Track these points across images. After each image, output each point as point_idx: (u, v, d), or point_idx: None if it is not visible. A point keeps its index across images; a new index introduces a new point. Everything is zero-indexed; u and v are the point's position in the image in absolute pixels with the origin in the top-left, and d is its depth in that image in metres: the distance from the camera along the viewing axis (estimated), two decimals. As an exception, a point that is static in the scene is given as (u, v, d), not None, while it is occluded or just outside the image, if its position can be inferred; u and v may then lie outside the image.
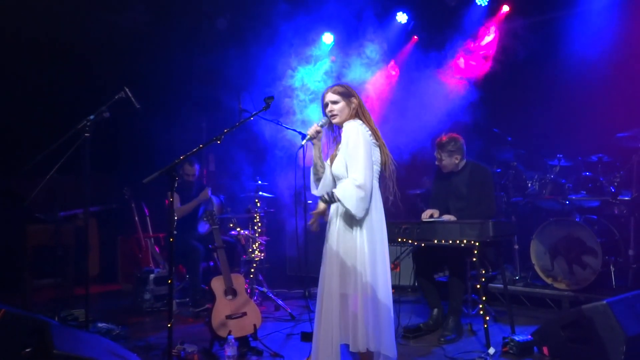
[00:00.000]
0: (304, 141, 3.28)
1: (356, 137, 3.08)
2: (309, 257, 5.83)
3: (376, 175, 3.17)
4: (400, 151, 6.25)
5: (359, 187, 3.00)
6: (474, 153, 5.08)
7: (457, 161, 4.52)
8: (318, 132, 3.24)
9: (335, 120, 3.22)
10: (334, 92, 3.22)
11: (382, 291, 3.09)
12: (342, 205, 3.06)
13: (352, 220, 3.10)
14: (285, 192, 6.45)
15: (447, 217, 4.35)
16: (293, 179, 5.98)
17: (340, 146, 3.21)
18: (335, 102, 3.20)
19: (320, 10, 6.56)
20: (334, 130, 3.34)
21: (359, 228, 3.09)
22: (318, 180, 3.37)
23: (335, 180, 3.29)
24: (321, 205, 3.32)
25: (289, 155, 6.82)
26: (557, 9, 5.85)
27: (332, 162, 3.29)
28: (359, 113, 3.22)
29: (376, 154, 3.16)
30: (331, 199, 3.14)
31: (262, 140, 6.89)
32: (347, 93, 3.22)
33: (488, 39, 6.53)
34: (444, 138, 4.51)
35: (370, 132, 3.16)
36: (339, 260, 3.11)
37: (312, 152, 3.31)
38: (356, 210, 3.01)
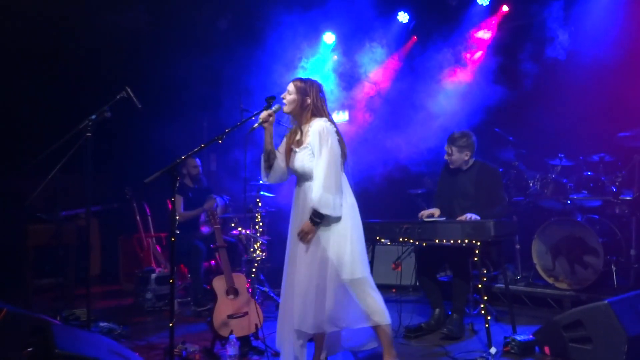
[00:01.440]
0: (255, 125, 3.35)
1: (326, 138, 3.22)
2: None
3: (342, 168, 3.33)
4: (401, 151, 6.28)
5: (333, 194, 3.17)
6: (475, 153, 5.07)
7: (466, 157, 4.48)
8: (269, 116, 3.33)
9: (285, 110, 3.37)
10: (294, 84, 3.37)
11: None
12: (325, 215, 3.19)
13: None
14: (286, 192, 6.46)
15: (467, 217, 4.25)
16: (294, 178, 5.99)
17: (305, 143, 3.30)
18: (289, 93, 3.36)
19: (321, 10, 6.56)
20: (294, 131, 3.43)
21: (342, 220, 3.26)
22: (269, 167, 3.45)
23: (288, 174, 3.44)
24: None
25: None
26: (557, 8, 5.84)
27: (288, 155, 3.40)
28: (313, 111, 3.34)
29: (340, 147, 3.30)
30: (319, 219, 3.21)
31: (261, 140, 6.89)
32: (304, 90, 3.34)
33: (486, 35, 6.53)
34: (457, 134, 4.48)
35: (335, 128, 3.31)
36: (327, 251, 3.24)
37: (264, 138, 3.39)
38: (335, 211, 3.20)
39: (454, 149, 4.46)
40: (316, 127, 3.26)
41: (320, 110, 3.35)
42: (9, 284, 5.59)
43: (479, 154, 4.67)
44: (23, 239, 5.44)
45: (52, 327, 2.79)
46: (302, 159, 3.30)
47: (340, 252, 3.24)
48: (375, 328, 3.34)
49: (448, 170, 4.69)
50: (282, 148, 3.46)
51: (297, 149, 3.36)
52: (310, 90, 3.34)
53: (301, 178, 3.37)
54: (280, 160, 3.43)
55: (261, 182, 3.56)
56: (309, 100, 3.33)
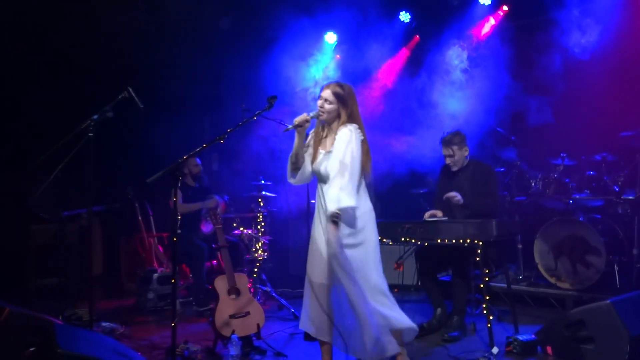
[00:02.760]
0: (290, 127, 3.32)
1: (350, 141, 3.19)
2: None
3: (364, 180, 3.30)
4: (403, 151, 6.27)
5: (341, 188, 3.12)
6: (477, 152, 5.08)
7: (466, 153, 4.55)
8: (306, 121, 3.28)
9: (322, 117, 3.31)
10: (332, 92, 3.28)
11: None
12: (342, 209, 3.12)
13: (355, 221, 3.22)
14: (288, 191, 6.46)
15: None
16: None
17: (332, 147, 3.27)
18: (328, 102, 3.27)
19: (323, 10, 6.56)
20: (323, 129, 3.39)
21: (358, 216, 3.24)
22: (296, 169, 3.42)
23: (312, 175, 3.40)
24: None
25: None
26: (558, 7, 5.83)
27: (314, 159, 3.36)
28: (350, 119, 3.29)
29: (361, 155, 3.25)
30: (337, 216, 3.15)
31: (264, 140, 6.89)
32: (344, 98, 3.28)
33: (486, 27, 6.53)
34: (448, 135, 4.54)
35: (362, 137, 3.26)
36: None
37: (295, 140, 3.35)
38: (352, 201, 3.11)
39: (454, 148, 4.49)
40: (344, 133, 3.22)
41: (355, 116, 3.32)
42: (12, 284, 5.60)
43: (482, 154, 4.68)
44: (25, 238, 5.46)
45: (55, 326, 2.79)
46: (325, 163, 3.28)
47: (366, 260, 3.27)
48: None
49: (445, 173, 4.74)
50: (308, 149, 3.42)
51: (323, 151, 3.33)
52: (348, 99, 3.29)
53: (322, 180, 3.34)
54: (307, 164, 3.39)
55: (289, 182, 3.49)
56: (348, 110, 3.28)
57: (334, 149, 3.24)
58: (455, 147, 4.48)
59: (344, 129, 3.24)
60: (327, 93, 3.28)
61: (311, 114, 3.30)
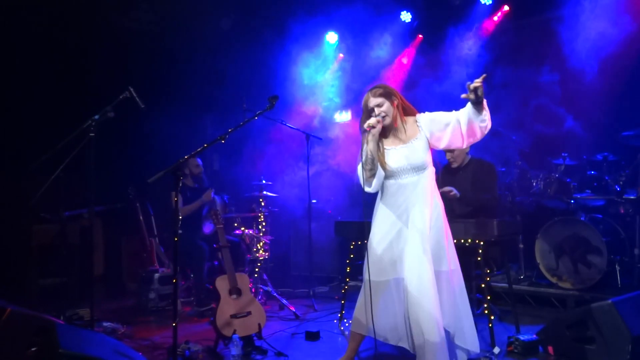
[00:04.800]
0: (365, 126, 3.21)
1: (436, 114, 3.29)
2: (313, 257, 5.84)
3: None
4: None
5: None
6: (477, 152, 5.07)
7: (466, 150, 4.58)
8: (379, 123, 3.21)
9: (386, 122, 3.27)
10: (375, 96, 3.28)
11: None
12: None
13: (439, 201, 3.30)
14: (289, 191, 6.47)
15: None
16: (297, 179, 6.00)
17: (414, 135, 3.28)
18: (380, 105, 3.27)
19: (324, 10, 6.56)
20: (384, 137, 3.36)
21: (442, 209, 3.30)
22: (372, 176, 3.28)
23: (388, 176, 3.31)
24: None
25: (293, 154, 6.85)
26: (559, 7, 5.83)
27: (384, 159, 3.27)
28: (405, 109, 3.34)
29: None
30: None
31: (266, 140, 6.90)
32: (388, 93, 3.30)
33: (487, 26, 6.54)
34: None
35: None
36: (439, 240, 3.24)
37: (369, 146, 3.21)
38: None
39: None
40: (426, 117, 3.30)
41: (408, 107, 3.35)
42: (13, 284, 5.61)
43: (483, 154, 4.68)
44: (27, 238, 5.47)
45: (56, 326, 2.79)
46: (419, 149, 3.25)
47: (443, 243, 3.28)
48: None
49: (446, 172, 4.76)
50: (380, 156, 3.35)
51: (397, 147, 3.29)
52: (392, 91, 3.32)
53: (405, 173, 3.27)
54: (380, 168, 3.29)
55: (366, 190, 3.35)
56: (399, 100, 3.31)
57: (432, 128, 3.25)
58: None
59: (421, 116, 3.33)
60: (374, 101, 3.27)
61: (378, 119, 3.23)
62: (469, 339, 3.27)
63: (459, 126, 3.18)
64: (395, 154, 3.28)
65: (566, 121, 5.81)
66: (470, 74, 6.38)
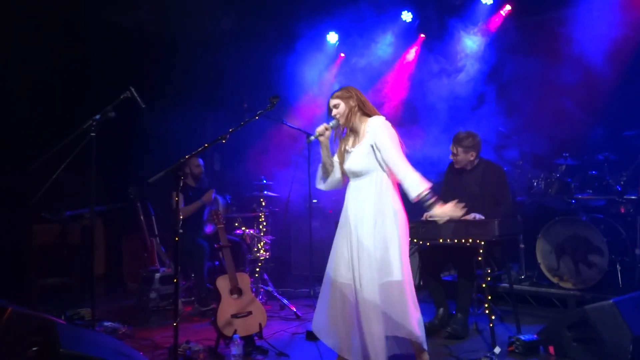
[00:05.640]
0: (312, 137, 3.40)
1: (389, 133, 3.24)
2: (314, 257, 5.82)
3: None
4: (407, 150, 6.26)
5: (413, 172, 3.17)
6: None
7: (472, 158, 4.46)
8: (326, 130, 3.34)
9: (342, 123, 3.37)
10: (334, 98, 3.38)
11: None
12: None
13: (385, 208, 3.21)
14: (290, 191, 6.46)
15: (472, 217, 4.15)
16: (298, 178, 6.01)
17: (362, 141, 3.30)
18: (336, 106, 3.35)
19: (325, 10, 6.56)
20: (338, 130, 3.44)
21: (393, 215, 3.22)
22: (326, 177, 3.50)
23: (344, 175, 3.41)
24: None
25: (293, 154, 6.86)
26: (561, 7, 5.82)
27: (342, 158, 3.40)
28: (360, 109, 3.35)
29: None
30: (424, 199, 3.15)
31: (267, 139, 6.90)
32: (345, 95, 3.35)
33: (489, 25, 6.53)
34: (462, 134, 4.46)
35: (389, 124, 3.32)
36: (380, 249, 3.17)
37: (321, 151, 3.42)
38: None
39: (459, 149, 4.44)
40: (376, 122, 3.28)
41: (367, 106, 3.37)
42: (14, 284, 5.61)
43: (484, 153, 4.65)
44: (28, 238, 5.47)
45: (57, 326, 2.79)
46: (359, 155, 3.29)
47: (386, 251, 3.22)
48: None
49: (453, 170, 4.67)
50: (337, 157, 3.45)
51: (352, 149, 3.35)
52: (351, 93, 3.36)
53: (355, 175, 3.34)
54: (336, 170, 3.44)
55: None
56: (352, 102, 3.33)
57: (375, 139, 3.24)
58: (460, 149, 4.43)
59: (373, 119, 3.30)
60: (332, 102, 3.37)
61: (331, 124, 3.35)
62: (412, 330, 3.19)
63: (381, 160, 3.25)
64: (351, 155, 3.35)
65: (568, 121, 5.80)
66: (472, 73, 6.38)
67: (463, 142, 4.42)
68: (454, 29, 6.54)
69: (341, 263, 3.29)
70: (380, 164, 3.26)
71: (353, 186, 3.36)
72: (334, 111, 3.35)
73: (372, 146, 3.25)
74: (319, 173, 3.52)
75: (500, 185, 4.45)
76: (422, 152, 5.95)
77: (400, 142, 3.30)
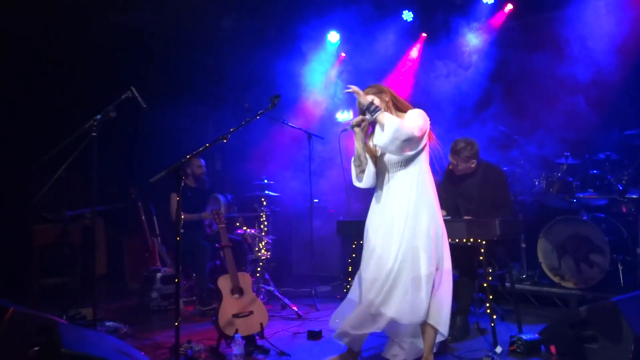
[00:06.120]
0: (348, 128, 3.35)
1: (421, 114, 3.30)
2: (315, 256, 5.84)
3: (426, 157, 3.37)
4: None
5: (408, 128, 3.15)
6: (479, 152, 5.06)
7: (472, 165, 4.42)
8: (362, 121, 3.31)
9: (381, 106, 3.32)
10: (367, 94, 3.33)
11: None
12: (383, 129, 3.14)
13: (426, 199, 3.29)
14: (291, 191, 6.46)
15: None
16: (299, 178, 5.99)
17: None
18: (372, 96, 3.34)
19: (326, 9, 6.56)
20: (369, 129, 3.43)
21: (431, 206, 3.30)
22: (362, 172, 3.43)
23: (376, 173, 3.42)
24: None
25: (294, 154, 6.85)
26: (561, 6, 5.82)
27: (372, 153, 3.40)
28: (395, 104, 3.39)
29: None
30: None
31: (268, 139, 6.90)
32: (379, 90, 3.37)
33: (490, 25, 6.53)
34: (460, 144, 4.38)
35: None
36: (420, 240, 3.23)
37: (356, 143, 3.39)
38: (389, 140, 3.12)
39: (459, 160, 4.39)
40: (415, 110, 3.33)
41: (401, 101, 3.40)
42: (16, 284, 5.62)
43: (485, 153, 4.65)
44: (29, 238, 5.47)
45: (59, 326, 2.80)
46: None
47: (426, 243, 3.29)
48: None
49: (450, 178, 4.63)
50: (369, 152, 3.43)
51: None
52: (382, 89, 3.38)
53: (394, 168, 3.35)
54: (370, 164, 3.40)
55: (357, 185, 3.51)
56: (386, 97, 3.35)
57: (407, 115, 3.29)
58: (460, 160, 4.39)
59: (413, 110, 3.34)
60: (365, 99, 3.31)
61: (367, 116, 3.29)
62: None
63: None
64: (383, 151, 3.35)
65: (569, 120, 5.80)
66: (473, 72, 6.37)
67: (462, 153, 4.36)
68: (455, 28, 6.53)
69: (381, 261, 3.28)
70: (417, 155, 3.29)
71: (392, 179, 3.34)
72: (376, 101, 3.29)
73: None
74: (354, 169, 3.46)
75: (501, 187, 4.43)
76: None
77: (430, 134, 3.37)
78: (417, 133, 3.18)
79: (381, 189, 3.41)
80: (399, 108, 3.39)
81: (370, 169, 3.40)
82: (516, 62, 6.09)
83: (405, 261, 3.20)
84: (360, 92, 3.27)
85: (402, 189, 3.31)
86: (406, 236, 3.22)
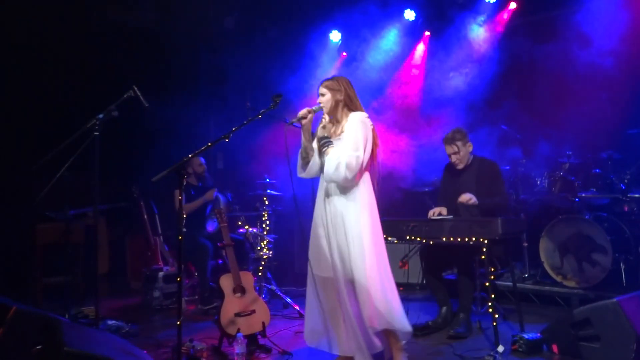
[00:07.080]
0: (293, 120, 3.41)
1: (361, 128, 3.30)
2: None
3: (367, 166, 3.38)
4: (408, 148, 6.26)
5: (348, 159, 3.20)
6: (481, 151, 5.06)
7: (470, 148, 4.55)
8: (308, 113, 3.37)
9: (325, 112, 3.43)
10: (323, 86, 3.44)
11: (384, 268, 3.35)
12: (327, 165, 3.25)
13: (355, 203, 3.28)
14: (293, 190, 6.46)
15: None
16: (300, 177, 5.99)
17: (340, 136, 3.37)
18: (322, 95, 3.42)
19: (327, 9, 6.55)
20: (331, 123, 3.48)
21: (361, 210, 3.28)
22: (306, 164, 3.52)
23: (320, 169, 3.46)
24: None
25: (295, 153, 6.85)
26: (565, 5, 5.81)
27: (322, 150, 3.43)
28: (346, 104, 3.42)
29: (374, 144, 3.39)
30: (324, 146, 3.32)
31: (270, 138, 6.89)
32: (334, 86, 3.42)
33: (491, 25, 6.52)
34: (451, 133, 4.55)
35: (371, 125, 3.39)
36: (348, 245, 3.24)
37: (302, 135, 3.47)
38: (334, 172, 3.21)
39: (458, 144, 4.50)
40: (356, 117, 3.34)
41: (354, 102, 3.43)
42: (18, 282, 5.63)
43: (487, 152, 4.66)
44: (32, 237, 5.48)
45: (61, 325, 2.80)
46: (334, 150, 3.33)
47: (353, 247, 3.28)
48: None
49: (449, 170, 4.73)
50: (316, 143, 3.48)
51: (334, 139, 3.40)
52: (340, 86, 3.41)
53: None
54: (316, 156, 3.46)
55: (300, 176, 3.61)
56: (339, 95, 3.39)
57: (345, 131, 3.33)
58: (459, 143, 4.50)
59: (355, 114, 3.36)
60: (320, 89, 3.44)
61: (314, 108, 3.41)
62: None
63: None
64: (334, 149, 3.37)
65: (570, 119, 5.79)
66: (476, 70, 6.37)
67: (456, 137, 4.51)
68: (458, 27, 6.52)
69: (321, 259, 3.35)
70: None
71: (325, 182, 3.39)
72: (320, 98, 3.42)
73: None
74: (299, 160, 3.55)
75: (496, 179, 4.51)
76: (424, 152, 5.96)
77: (374, 142, 3.38)
78: (354, 167, 3.21)
79: (321, 186, 3.48)
80: (349, 108, 3.42)
81: (315, 159, 3.46)
82: (519, 62, 6.08)
83: (337, 269, 3.25)
84: (308, 116, 3.35)
85: (330, 191, 3.38)
86: (336, 239, 3.28)
